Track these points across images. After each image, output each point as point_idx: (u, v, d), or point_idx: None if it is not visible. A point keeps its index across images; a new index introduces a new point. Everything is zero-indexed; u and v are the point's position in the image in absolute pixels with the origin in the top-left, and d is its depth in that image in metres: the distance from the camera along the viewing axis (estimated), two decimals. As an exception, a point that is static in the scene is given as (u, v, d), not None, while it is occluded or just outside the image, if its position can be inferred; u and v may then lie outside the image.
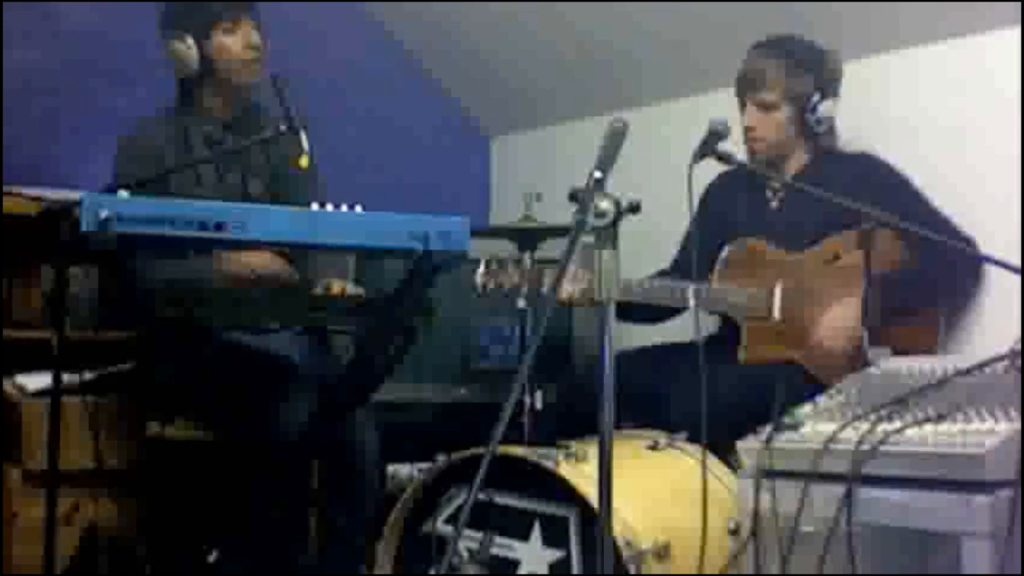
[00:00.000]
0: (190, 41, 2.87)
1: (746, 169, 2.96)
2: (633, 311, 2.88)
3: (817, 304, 2.82)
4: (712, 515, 2.17)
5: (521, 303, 2.82)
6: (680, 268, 3.03)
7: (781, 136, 2.95)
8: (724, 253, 2.91)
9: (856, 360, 2.64)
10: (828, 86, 2.94)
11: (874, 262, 2.56)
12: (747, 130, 2.95)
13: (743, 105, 2.98)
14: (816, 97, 2.92)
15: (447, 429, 3.33)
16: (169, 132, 2.92)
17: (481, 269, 2.76)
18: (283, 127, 2.61)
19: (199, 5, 2.90)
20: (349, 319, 2.57)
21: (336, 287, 2.72)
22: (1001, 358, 2.05)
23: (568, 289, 2.74)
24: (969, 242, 2.80)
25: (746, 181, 3.07)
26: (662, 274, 3.03)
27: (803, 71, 2.92)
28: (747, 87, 2.97)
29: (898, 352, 2.50)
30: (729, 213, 3.04)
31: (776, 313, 2.83)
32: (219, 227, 2.21)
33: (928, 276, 2.80)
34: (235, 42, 2.89)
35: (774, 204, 3.04)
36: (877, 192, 2.76)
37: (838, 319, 2.77)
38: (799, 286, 2.85)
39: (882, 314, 2.66)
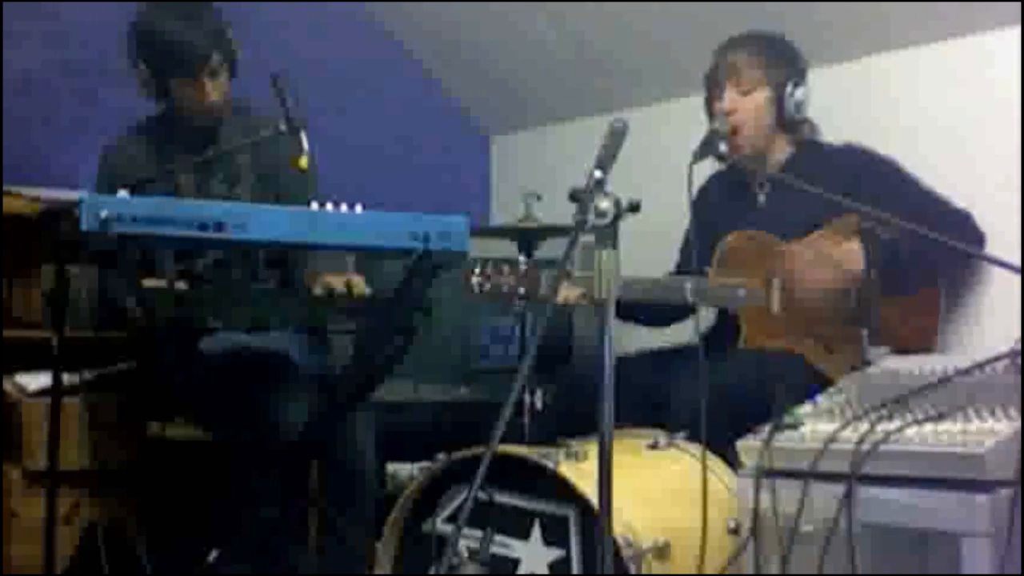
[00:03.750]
0: (148, 73, 2.81)
1: (738, 166, 2.95)
2: (640, 312, 2.87)
3: (816, 293, 2.82)
4: (712, 514, 2.17)
5: (518, 306, 2.81)
6: (681, 273, 3.03)
7: (762, 121, 2.94)
8: (721, 246, 2.90)
9: (854, 343, 2.65)
10: (800, 74, 2.94)
11: (874, 256, 2.56)
12: (728, 113, 2.93)
13: (712, 102, 2.96)
14: (792, 84, 2.92)
15: (447, 429, 3.33)
16: (149, 144, 2.89)
17: (476, 271, 2.75)
18: (282, 127, 2.61)
19: (157, 46, 2.79)
20: (349, 319, 2.57)
21: (336, 282, 2.67)
22: (1001, 357, 2.05)
23: (566, 292, 2.74)
24: (966, 217, 2.81)
25: (734, 180, 3.07)
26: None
27: (777, 58, 2.93)
28: (724, 77, 2.95)
29: (899, 348, 2.50)
30: (721, 212, 3.04)
31: (775, 305, 2.83)
32: (219, 227, 2.21)
33: (925, 254, 2.79)
34: (191, 92, 2.81)
35: (761, 199, 3.03)
36: (867, 179, 2.79)
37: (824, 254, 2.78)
38: (798, 276, 2.85)
39: (881, 304, 2.66)
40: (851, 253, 2.78)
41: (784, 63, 2.93)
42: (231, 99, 2.88)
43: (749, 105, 2.92)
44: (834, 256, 2.79)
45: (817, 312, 2.82)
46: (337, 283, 2.58)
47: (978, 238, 2.81)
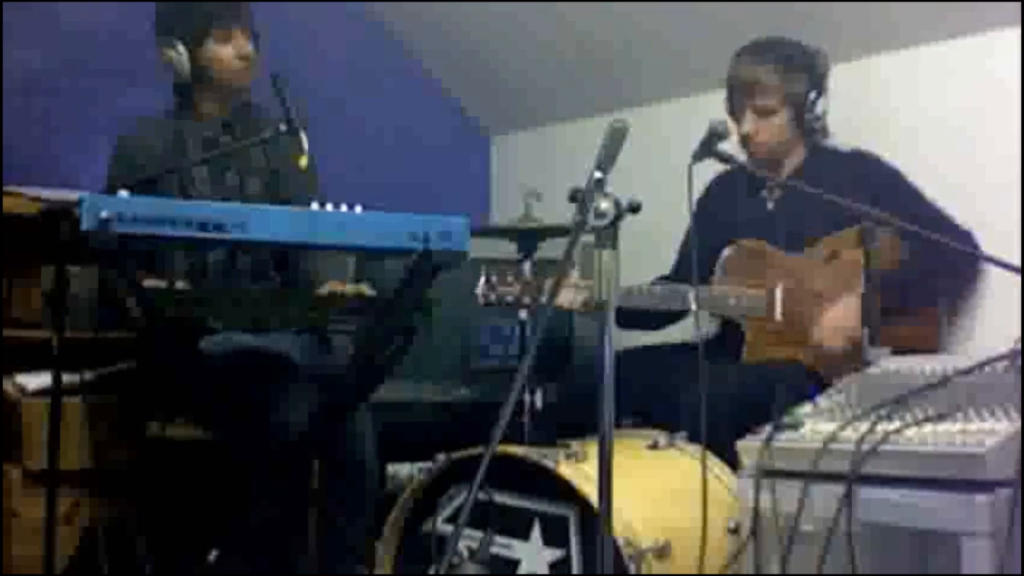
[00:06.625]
0: (181, 48, 2.88)
1: (744, 171, 2.96)
2: (634, 318, 2.87)
3: (818, 303, 2.82)
4: (712, 514, 2.17)
5: (523, 315, 2.82)
6: (680, 273, 3.03)
7: (781, 139, 2.96)
8: (724, 255, 2.91)
9: (856, 358, 2.65)
10: (820, 84, 2.94)
11: (874, 260, 2.55)
12: (746, 137, 2.94)
13: (733, 110, 2.97)
14: (812, 96, 2.92)
15: (447, 429, 3.33)
16: (165, 134, 2.92)
17: (481, 282, 2.76)
18: (283, 127, 2.61)
19: (191, 13, 2.90)
20: (349, 319, 2.57)
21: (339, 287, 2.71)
22: (1001, 357, 2.05)
23: (568, 297, 2.74)
24: (967, 235, 2.81)
25: (743, 183, 3.07)
26: (663, 280, 3.03)
27: (798, 72, 2.92)
28: (743, 94, 2.95)
29: (899, 352, 2.50)
30: (728, 216, 3.04)
31: (778, 314, 2.83)
32: (219, 228, 2.21)
33: (926, 275, 2.80)
34: (227, 52, 2.90)
35: (771, 205, 3.04)
36: (874, 189, 2.79)
37: (837, 319, 2.76)
38: (800, 286, 2.85)
39: (882, 314, 2.66)
40: (845, 317, 2.76)
41: (803, 74, 2.92)
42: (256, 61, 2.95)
43: (768, 128, 2.94)
44: (828, 320, 2.78)
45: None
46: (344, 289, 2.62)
47: (976, 257, 2.81)
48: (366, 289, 2.60)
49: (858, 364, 2.66)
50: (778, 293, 2.84)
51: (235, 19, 2.91)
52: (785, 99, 2.92)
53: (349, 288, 2.66)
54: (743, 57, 2.96)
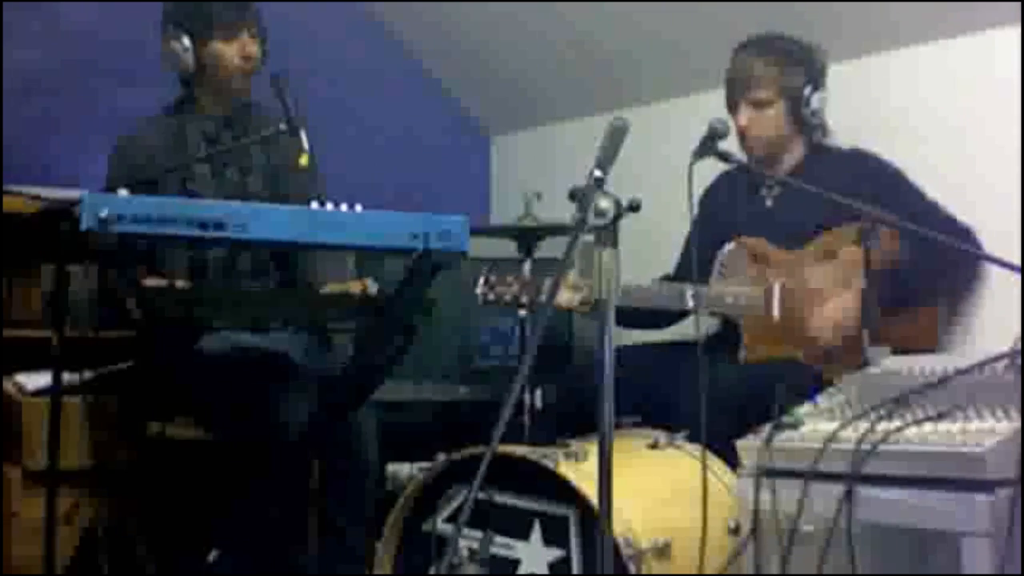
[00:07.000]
0: (187, 43, 2.89)
1: (744, 169, 2.96)
2: (634, 317, 2.88)
3: (816, 301, 2.82)
4: (712, 514, 2.17)
5: (522, 313, 2.82)
6: (681, 273, 3.03)
7: (777, 132, 2.96)
8: (722, 254, 2.91)
9: (855, 353, 2.65)
10: (817, 78, 2.95)
11: (874, 259, 2.56)
12: (742, 130, 2.95)
13: (732, 107, 2.98)
14: (808, 90, 2.92)
15: (447, 428, 3.33)
16: (165, 131, 2.93)
17: (480, 282, 2.76)
18: (283, 126, 2.61)
19: (200, 9, 2.90)
20: (349, 318, 2.57)
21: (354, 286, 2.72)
22: (1001, 357, 2.05)
23: (567, 297, 2.74)
24: (967, 232, 2.80)
25: (743, 181, 3.08)
26: (665, 279, 3.03)
27: (794, 65, 2.93)
28: (739, 88, 2.96)
29: (898, 351, 2.50)
30: (727, 214, 3.05)
31: (776, 312, 2.83)
32: (219, 227, 2.21)
33: (926, 273, 2.80)
34: (232, 51, 2.91)
35: (769, 202, 3.04)
36: (873, 187, 2.79)
37: (834, 314, 2.76)
38: (798, 284, 2.85)
39: (881, 312, 2.66)
40: (842, 310, 2.76)
41: (801, 68, 2.93)
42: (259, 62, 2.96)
43: (763, 121, 2.94)
44: (825, 315, 2.78)
45: None
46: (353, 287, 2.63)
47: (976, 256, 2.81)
48: (369, 284, 2.60)
49: (856, 360, 2.66)
50: (776, 291, 2.84)
51: (243, 20, 2.92)
52: (781, 92, 2.93)
53: (352, 284, 2.66)
54: (741, 52, 2.98)
